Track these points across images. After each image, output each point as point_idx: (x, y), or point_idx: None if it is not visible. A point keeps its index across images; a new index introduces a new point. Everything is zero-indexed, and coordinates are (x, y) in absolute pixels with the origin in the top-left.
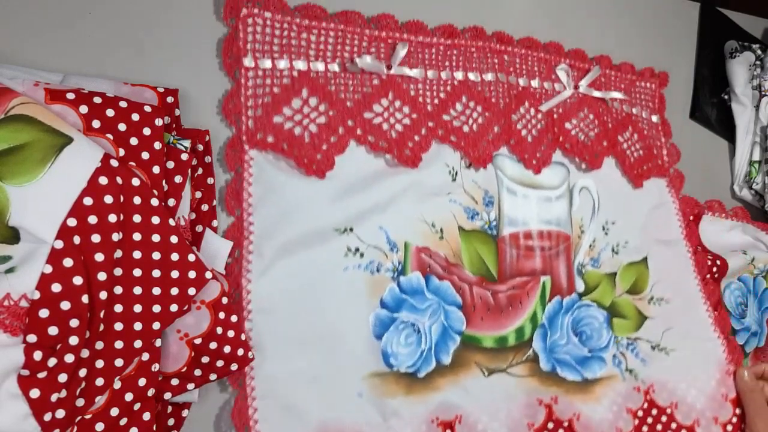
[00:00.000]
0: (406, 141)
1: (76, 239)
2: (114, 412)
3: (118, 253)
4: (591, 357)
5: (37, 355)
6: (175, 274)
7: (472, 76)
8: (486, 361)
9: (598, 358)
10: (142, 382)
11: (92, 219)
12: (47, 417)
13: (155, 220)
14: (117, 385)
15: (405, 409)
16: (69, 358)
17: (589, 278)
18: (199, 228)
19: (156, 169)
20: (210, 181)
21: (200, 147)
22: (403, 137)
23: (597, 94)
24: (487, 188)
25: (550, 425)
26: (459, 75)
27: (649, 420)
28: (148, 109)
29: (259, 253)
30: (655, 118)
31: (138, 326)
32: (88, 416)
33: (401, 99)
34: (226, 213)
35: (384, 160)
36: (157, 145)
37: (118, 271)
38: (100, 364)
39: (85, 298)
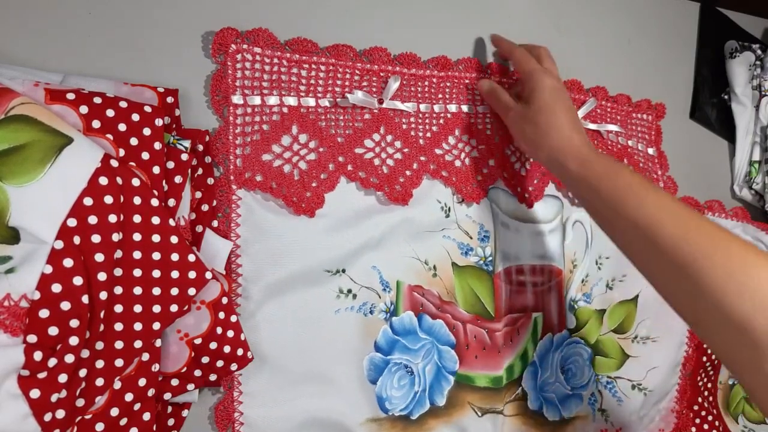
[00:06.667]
0: (398, 176)
1: (76, 239)
2: (114, 412)
3: (118, 254)
4: (571, 395)
5: (37, 356)
6: (175, 274)
7: (465, 108)
8: (479, 400)
9: (577, 396)
10: (142, 382)
11: (92, 219)
12: (47, 417)
13: (155, 220)
14: (117, 385)
15: None
16: (69, 358)
17: (580, 314)
18: (199, 228)
19: (156, 170)
20: (210, 181)
21: (200, 147)
22: (394, 172)
23: (592, 126)
24: (482, 222)
25: None
26: (453, 107)
27: None
28: (148, 109)
29: (247, 296)
30: (651, 151)
31: (138, 326)
32: (88, 416)
33: (393, 133)
34: None
35: (375, 196)
36: (157, 146)
37: (118, 272)
38: (100, 364)
39: (85, 299)
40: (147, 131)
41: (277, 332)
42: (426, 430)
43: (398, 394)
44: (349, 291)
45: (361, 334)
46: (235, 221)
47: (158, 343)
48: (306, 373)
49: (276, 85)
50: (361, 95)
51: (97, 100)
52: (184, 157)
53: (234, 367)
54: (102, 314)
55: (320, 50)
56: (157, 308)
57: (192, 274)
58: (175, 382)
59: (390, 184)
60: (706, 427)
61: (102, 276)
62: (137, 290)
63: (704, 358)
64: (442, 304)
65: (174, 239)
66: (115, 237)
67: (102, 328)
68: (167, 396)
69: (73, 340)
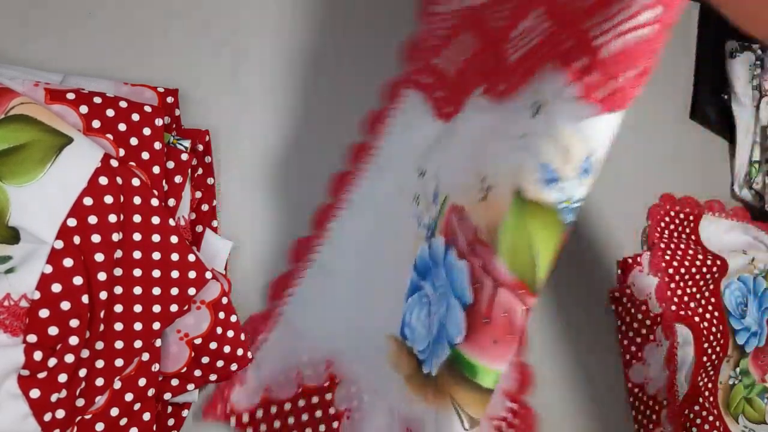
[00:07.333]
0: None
1: (76, 239)
2: (114, 412)
3: (118, 253)
4: None
5: (37, 355)
6: (175, 274)
7: None
8: (474, 404)
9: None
10: (142, 382)
11: (92, 219)
12: (47, 417)
13: (155, 220)
14: (117, 385)
15: (400, 395)
16: (69, 358)
17: None
18: (199, 228)
19: (156, 169)
20: (210, 181)
21: (200, 147)
22: (523, 60)
23: None
24: (594, 147)
25: None
26: None
27: None
28: (148, 109)
29: (370, 172)
30: None
31: (138, 326)
32: (88, 416)
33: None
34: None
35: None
36: (157, 145)
37: (118, 271)
38: (100, 364)
39: (85, 298)
40: (147, 131)
41: (365, 225)
42: (423, 394)
43: (421, 332)
44: (417, 196)
45: (412, 246)
46: (392, 112)
47: (158, 343)
48: (362, 274)
49: None
50: None
51: (97, 100)
52: (184, 157)
53: (234, 367)
54: (102, 314)
55: None
56: (157, 308)
57: (192, 274)
58: (175, 382)
59: (518, 76)
60: (706, 427)
61: (102, 276)
62: (137, 290)
63: (704, 358)
64: (475, 242)
65: (174, 239)
66: (115, 237)
67: (102, 328)
68: (167, 396)
69: (73, 340)
